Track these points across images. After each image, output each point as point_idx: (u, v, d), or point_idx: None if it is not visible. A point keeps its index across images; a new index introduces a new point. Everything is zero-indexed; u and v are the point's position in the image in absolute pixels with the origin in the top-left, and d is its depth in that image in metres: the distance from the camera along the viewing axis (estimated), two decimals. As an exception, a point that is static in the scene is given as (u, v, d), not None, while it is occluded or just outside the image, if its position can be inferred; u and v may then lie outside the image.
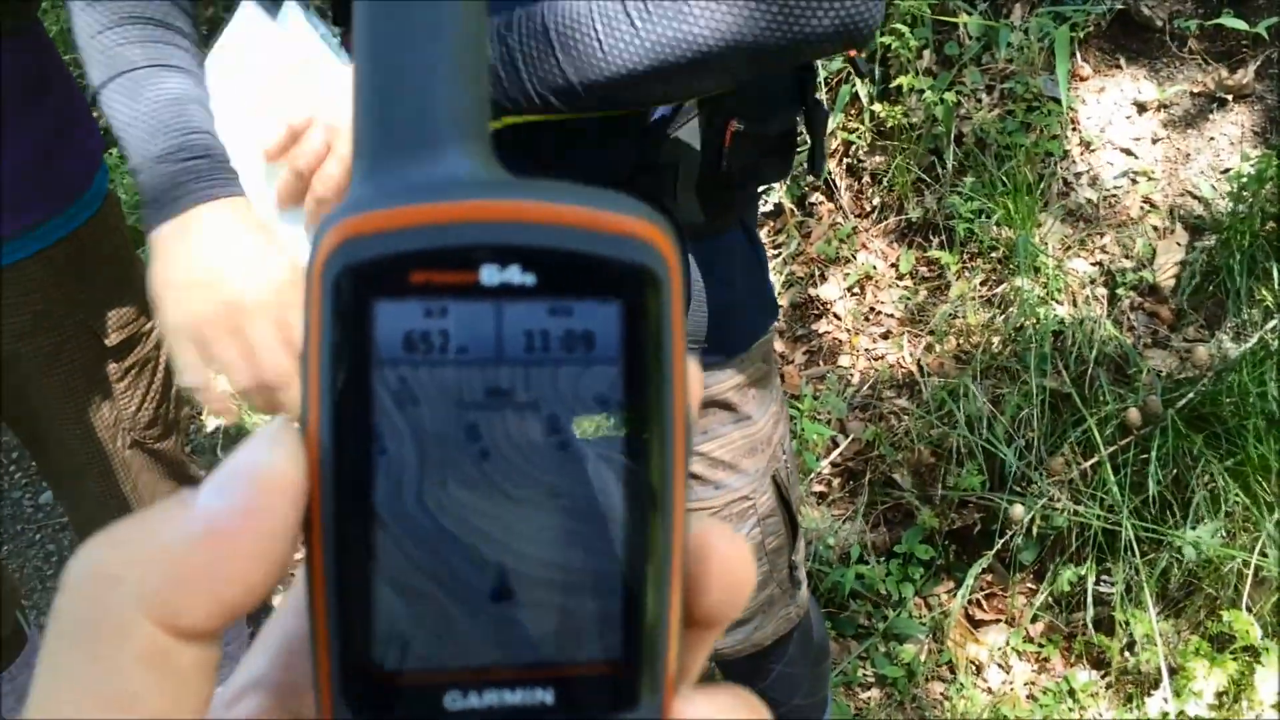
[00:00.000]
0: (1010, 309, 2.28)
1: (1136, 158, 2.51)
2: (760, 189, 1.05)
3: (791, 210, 2.67)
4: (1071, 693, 1.95)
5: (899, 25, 2.54)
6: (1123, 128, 2.55)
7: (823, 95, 2.64)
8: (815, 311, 2.58)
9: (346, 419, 0.23)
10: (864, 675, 2.03)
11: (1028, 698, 1.98)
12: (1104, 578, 2.01)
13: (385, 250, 0.23)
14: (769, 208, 2.69)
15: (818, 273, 2.61)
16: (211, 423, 2.51)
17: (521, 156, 0.92)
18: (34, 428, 1.42)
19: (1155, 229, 2.40)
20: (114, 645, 0.21)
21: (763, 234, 2.63)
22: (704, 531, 0.25)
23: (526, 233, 0.23)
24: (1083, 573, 1.99)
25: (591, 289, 0.24)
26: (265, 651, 0.26)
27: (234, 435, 2.48)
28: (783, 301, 2.55)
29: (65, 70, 1.34)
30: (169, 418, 1.55)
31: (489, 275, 0.23)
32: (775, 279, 2.56)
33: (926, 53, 2.64)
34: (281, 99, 0.90)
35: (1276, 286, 2.16)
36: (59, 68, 1.32)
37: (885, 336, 2.48)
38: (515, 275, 0.23)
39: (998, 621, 2.10)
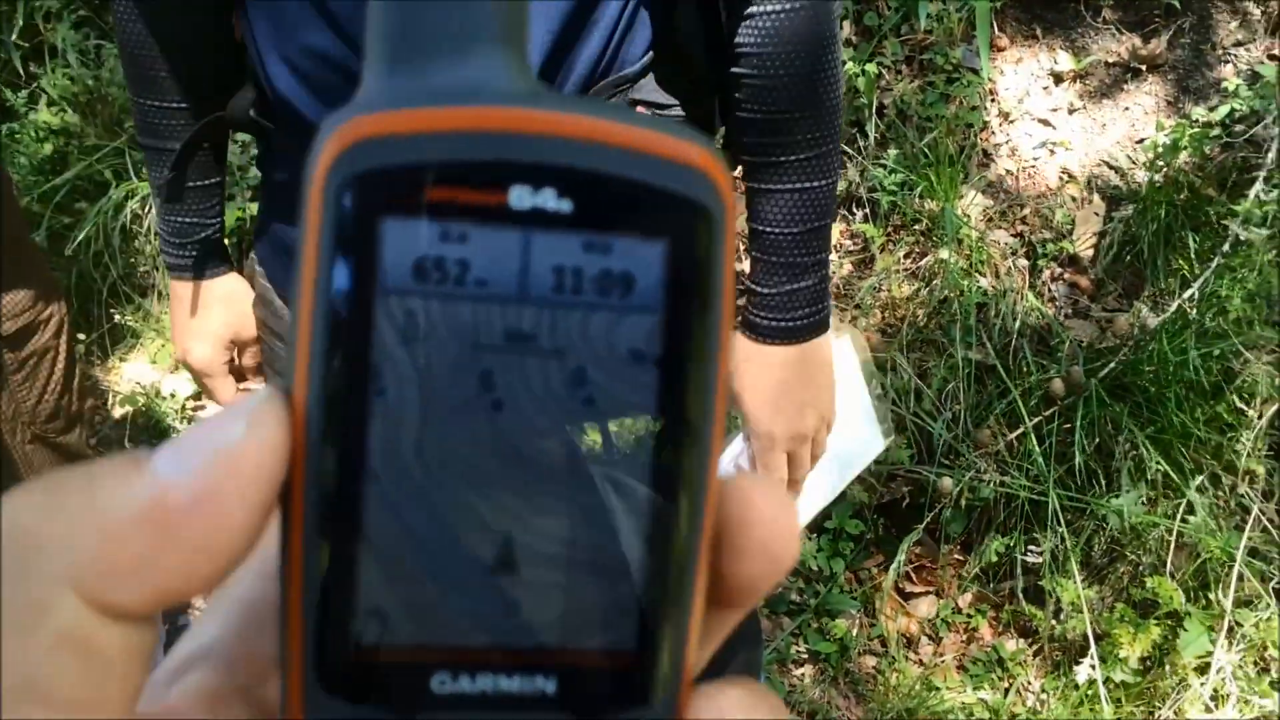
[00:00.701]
0: (935, 281, 2.29)
1: (1054, 128, 2.53)
2: None
3: (714, 184, 2.64)
4: (1000, 662, 1.98)
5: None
6: (1040, 98, 2.57)
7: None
8: (740, 287, 2.56)
9: (342, 353, 0.20)
10: (797, 652, 2.03)
11: (958, 668, 1.99)
12: (1031, 547, 2.03)
13: (400, 159, 0.19)
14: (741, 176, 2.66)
15: (741, 247, 2.58)
16: (119, 411, 2.40)
17: None
18: None
19: (1074, 199, 2.42)
20: (30, 620, 0.18)
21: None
22: (748, 491, 0.22)
23: (566, 151, 0.20)
24: (1010, 543, 2.01)
25: (635, 224, 0.20)
26: (220, 617, 0.23)
27: (142, 425, 2.38)
28: (707, 277, 2.53)
29: None
30: (72, 410, 1.47)
31: (519, 198, 0.20)
32: (700, 254, 2.54)
33: (846, 23, 2.62)
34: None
35: (1192, 255, 2.19)
36: None
37: (810, 310, 2.47)
38: (549, 200, 0.20)
39: (928, 593, 2.11)
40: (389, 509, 0.20)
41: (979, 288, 2.24)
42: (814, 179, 0.97)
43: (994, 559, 2.02)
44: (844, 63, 0.96)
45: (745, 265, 1.07)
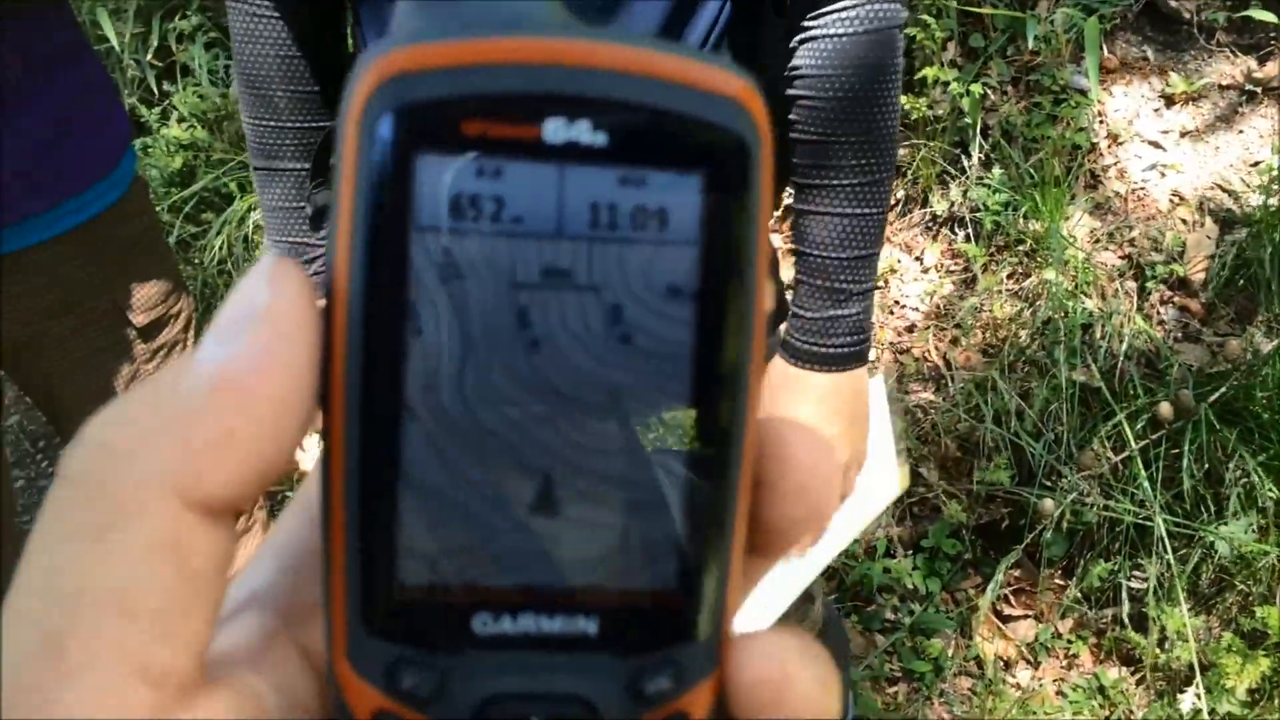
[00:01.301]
0: (1038, 302, 2.27)
1: (1164, 150, 2.49)
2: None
3: (815, 203, 2.65)
4: (1102, 689, 1.94)
5: (925, 16, 2.53)
6: (1150, 120, 2.53)
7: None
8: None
9: (378, 293, 0.20)
10: (890, 670, 2.02)
11: (1057, 694, 1.96)
12: (1135, 573, 1.99)
13: (433, 93, 0.19)
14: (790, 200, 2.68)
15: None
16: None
17: None
18: (61, 409, 1.42)
19: (1184, 222, 2.38)
20: (123, 529, 0.18)
21: (785, 229, 2.61)
22: (785, 433, 0.22)
23: (600, 82, 0.20)
24: (1113, 568, 1.98)
25: (670, 157, 0.20)
26: (270, 561, 0.23)
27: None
28: (807, 295, 2.54)
29: (90, 52, 1.31)
30: None
31: (553, 131, 0.20)
32: (800, 272, 2.55)
33: (951, 44, 2.62)
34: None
35: (1309, 280, 2.14)
36: (85, 50, 1.30)
37: (910, 330, 2.47)
38: (584, 133, 0.20)
39: (1026, 617, 2.08)
40: (428, 449, 0.20)
41: (1084, 309, 2.21)
42: (864, 206, 0.96)
43: (1096, 584, 1.99)
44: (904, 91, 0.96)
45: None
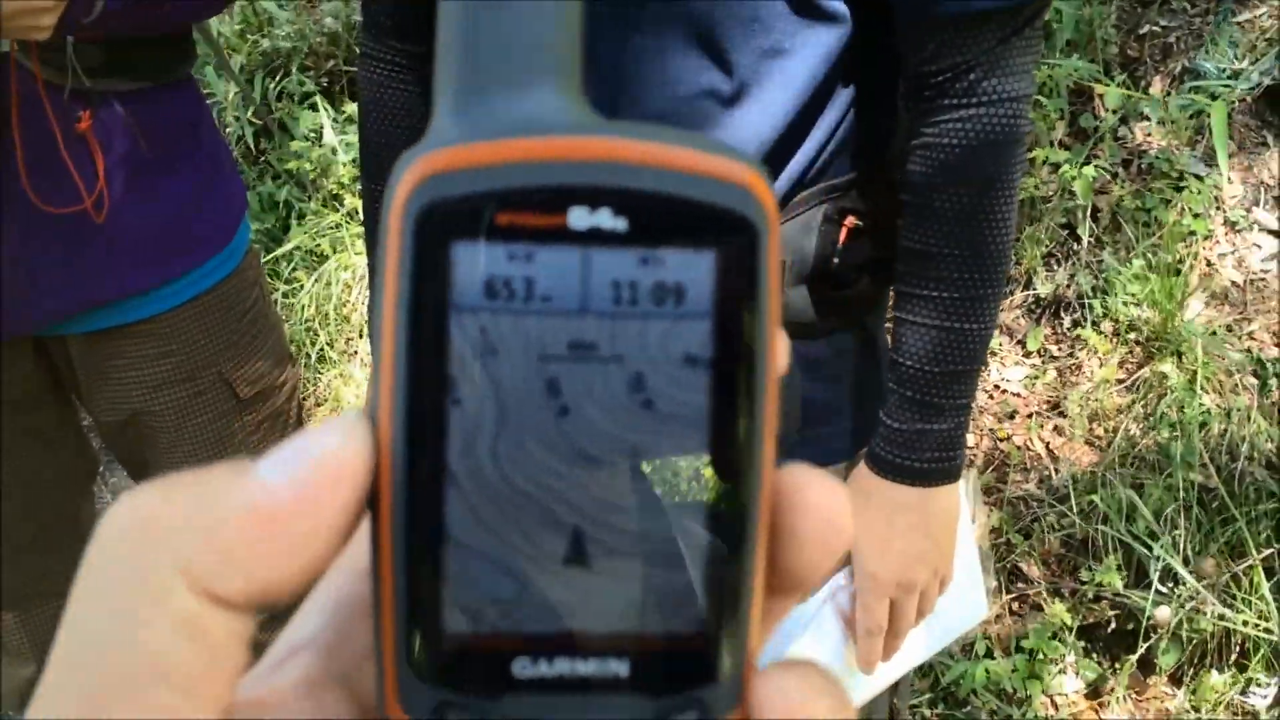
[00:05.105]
0: (1150, 395, 2.17)
1: (1285, 239, 2.39)
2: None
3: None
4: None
5: (1039, 96, 2.47)
6: (1271, 209, 2.44)
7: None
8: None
9: (420, 367, 0.21)
10: (988, 778, 1.91)
11: (1169, 816, 1.84)
12: (1252, 689, 1.87)
13: (468, 189, 0.21)
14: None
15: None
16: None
17: None
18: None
19: (1307, 316, 2.27)
20: (149, 606, 0.20)
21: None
22: (800, 482, 0.23)
23: (618, 174, 0.21)
24: (1228, 681, 1.86)
25: (685, 238, 0.22)
26: (317, 612, 0.25)
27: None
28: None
29: (213, 125, 1.32)
30: None
31: (577, 219, 0.21)
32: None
33: (1060, 124, 2.55)
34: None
35: None
36: (209, 123, 1.30)
37: (1011, 416, 2.38)
38: (605, 220, 0.21)
39: (1133, 728, 1.97)
40: (468, 509, 0.21)
41: (1201, 405, 2.11)
42: (964, 320, 0.91)
43: (1209, 696, 1.87)
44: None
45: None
